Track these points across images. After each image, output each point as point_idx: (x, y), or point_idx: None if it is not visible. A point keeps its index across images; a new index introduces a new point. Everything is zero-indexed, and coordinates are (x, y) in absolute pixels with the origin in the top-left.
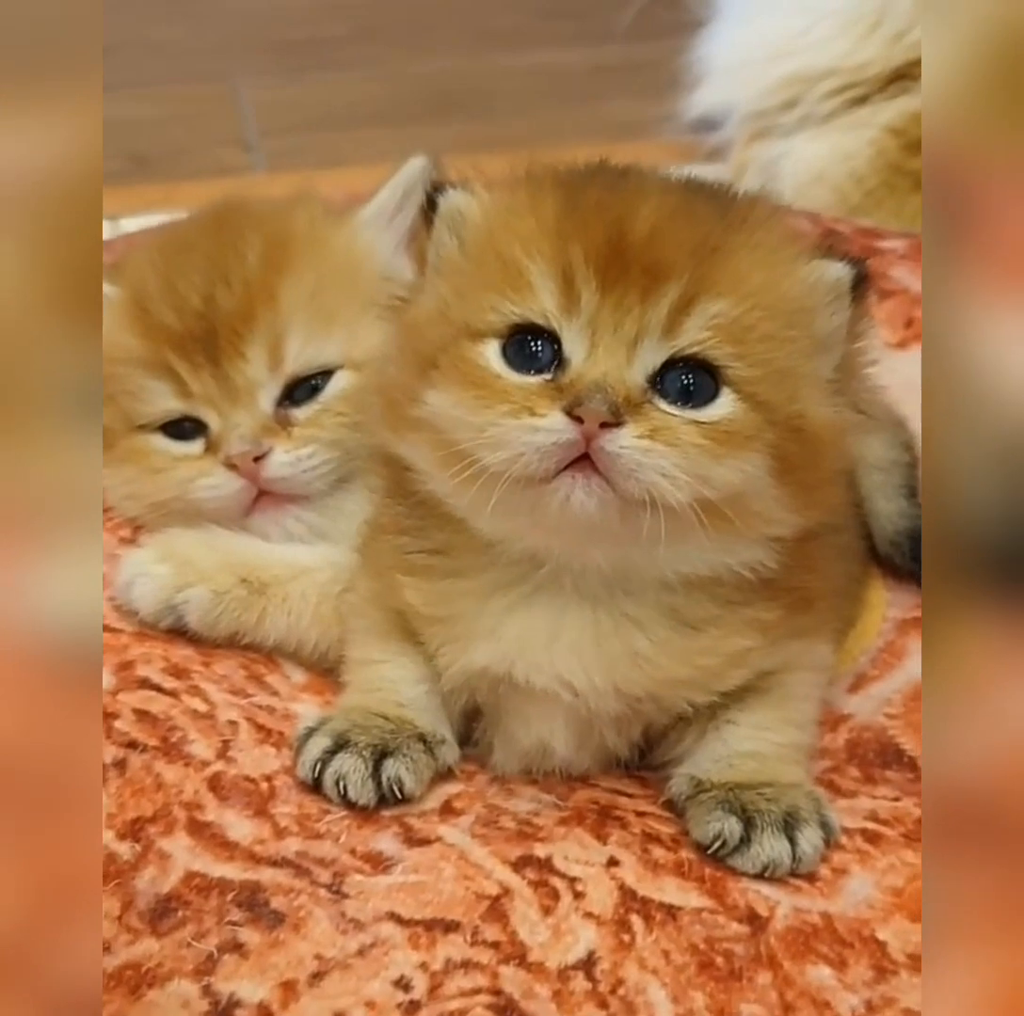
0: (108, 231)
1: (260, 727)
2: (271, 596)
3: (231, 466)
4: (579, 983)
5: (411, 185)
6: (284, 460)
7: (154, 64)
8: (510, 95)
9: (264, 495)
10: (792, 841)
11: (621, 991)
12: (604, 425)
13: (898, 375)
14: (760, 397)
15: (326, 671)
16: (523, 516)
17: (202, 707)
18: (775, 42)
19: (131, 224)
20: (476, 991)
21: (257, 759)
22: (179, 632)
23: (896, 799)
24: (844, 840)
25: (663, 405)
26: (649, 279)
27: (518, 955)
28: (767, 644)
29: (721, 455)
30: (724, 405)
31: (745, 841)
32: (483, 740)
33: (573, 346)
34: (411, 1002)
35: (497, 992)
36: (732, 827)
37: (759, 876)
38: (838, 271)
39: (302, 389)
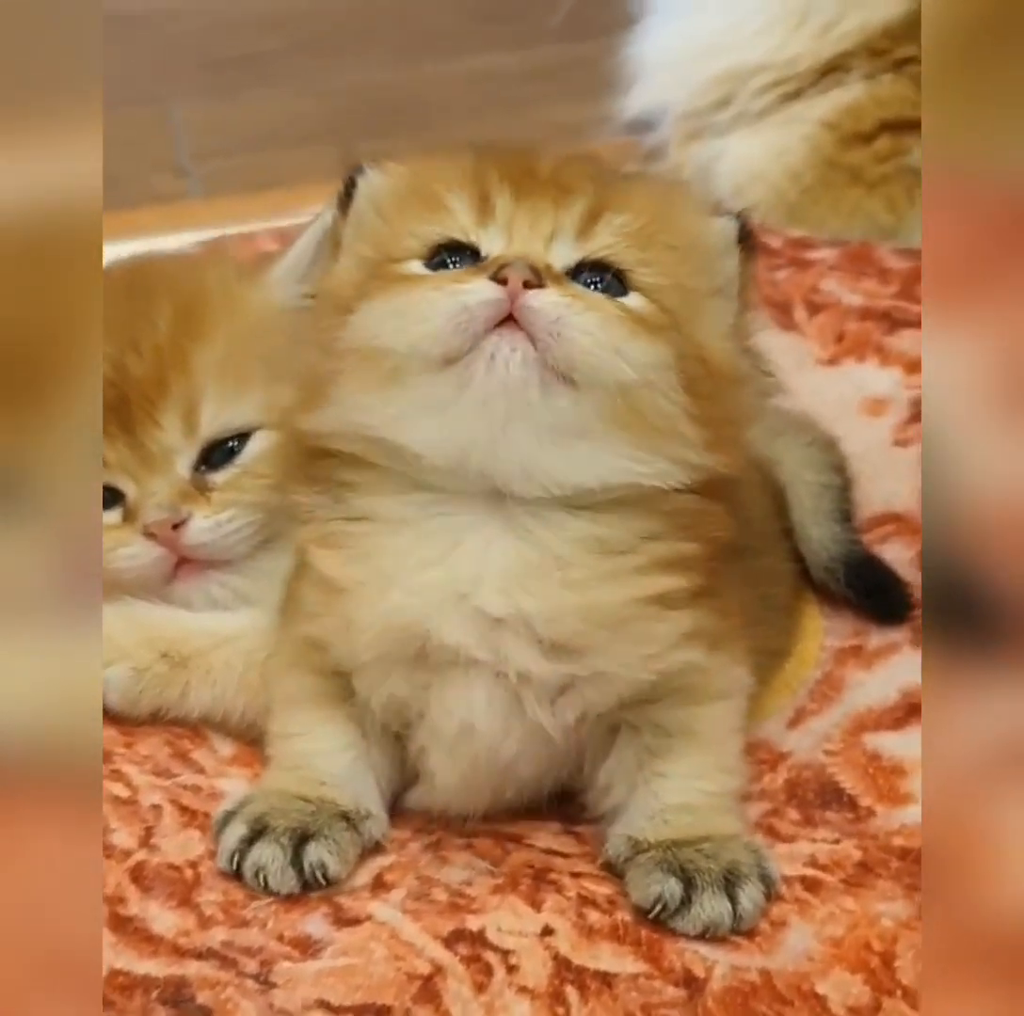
0: None
1: (184, 809)
2: (194, 669)
3: (150, 535)
4: None
5: (323, 240)
6: (204, 526)
7: None
8: (446, 104)
9: (185, 562)
10: (733, 899)
11: None
12: (527, 285)
13: (829, 394)
14: (665, 303)
15: (255, 740)
16: (450, 402)
17: (124, 793)
18: (704, 40)
19: None
20: None
21: (181, 845)
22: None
23: (836, 842)
24: (783, 889)
25: (579, 286)
26: (559, 191)
27: None
28: (690, 592)
29: (636, 332)
30: (635, 300)
31: (686, 902)
32: (412, 771)
33: (491, 248)
34: None
35: None
36: (672, 889)
37: (700, 937)
38: (724, 224)
39: (219, 453)
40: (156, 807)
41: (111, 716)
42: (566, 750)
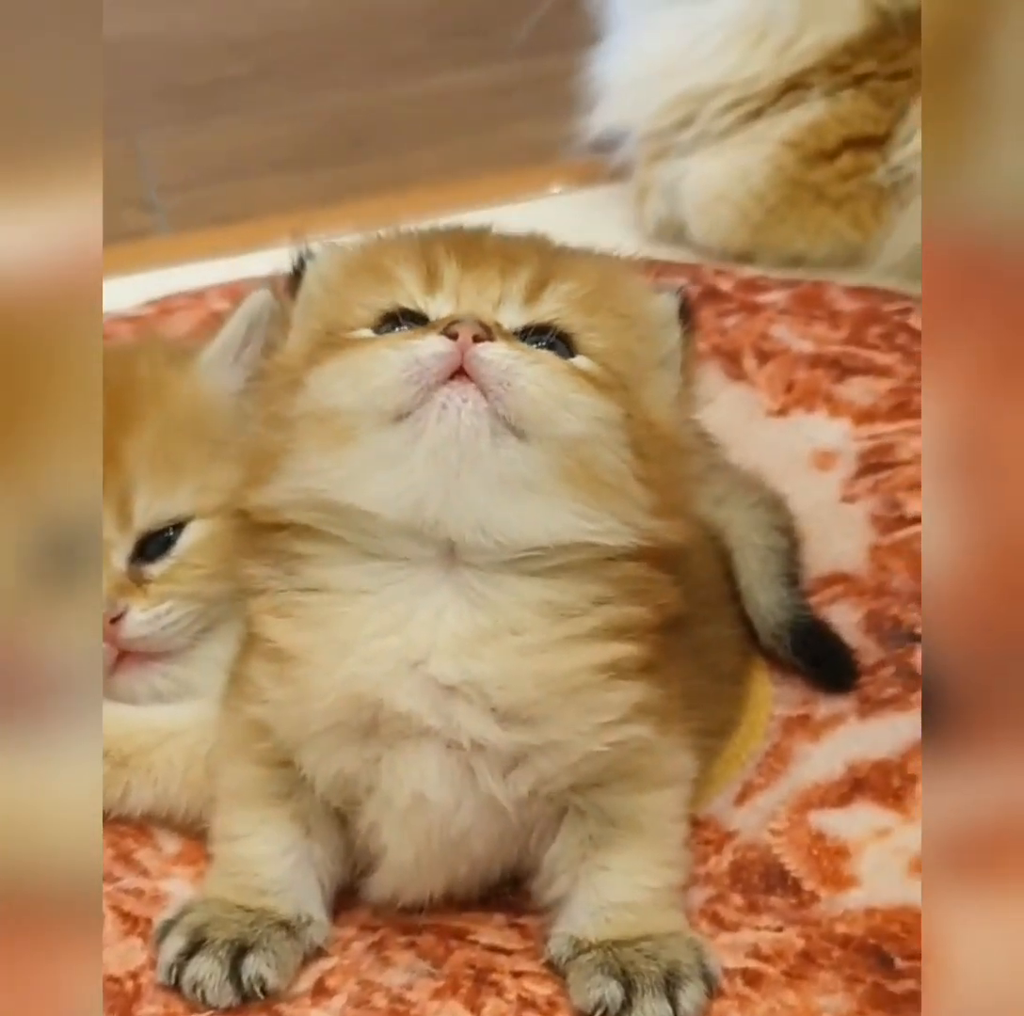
0: None
1: (126, 916)
2: (135, 768)
3: None
4: None
5: (256, 317)
6: (141, 619)
7: None
8: (414, 126)
9: (126, 655)
10: (673, 1001)
11: None
12: (477, 338)
13: (779, 446)
14: (612, 366)
15: (200, 834)
16: (402, 456)
17: None
18: (664, 59)
19: None
20: None
21: (122, 955)
22: None
23: (778, 929)
24: (724, 983)
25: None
26: (506, 261)
27: None
28: (640, 662)
29: (583, 386)
30: (583, 362)
31: (626, 1006)
32: (362, 856)
33: (439, 313)
34: None
35: None
36: (613, 993)
37: None
38: (665, 299)
39: (154, 544)
40: None
41: None
42: (517, 827)
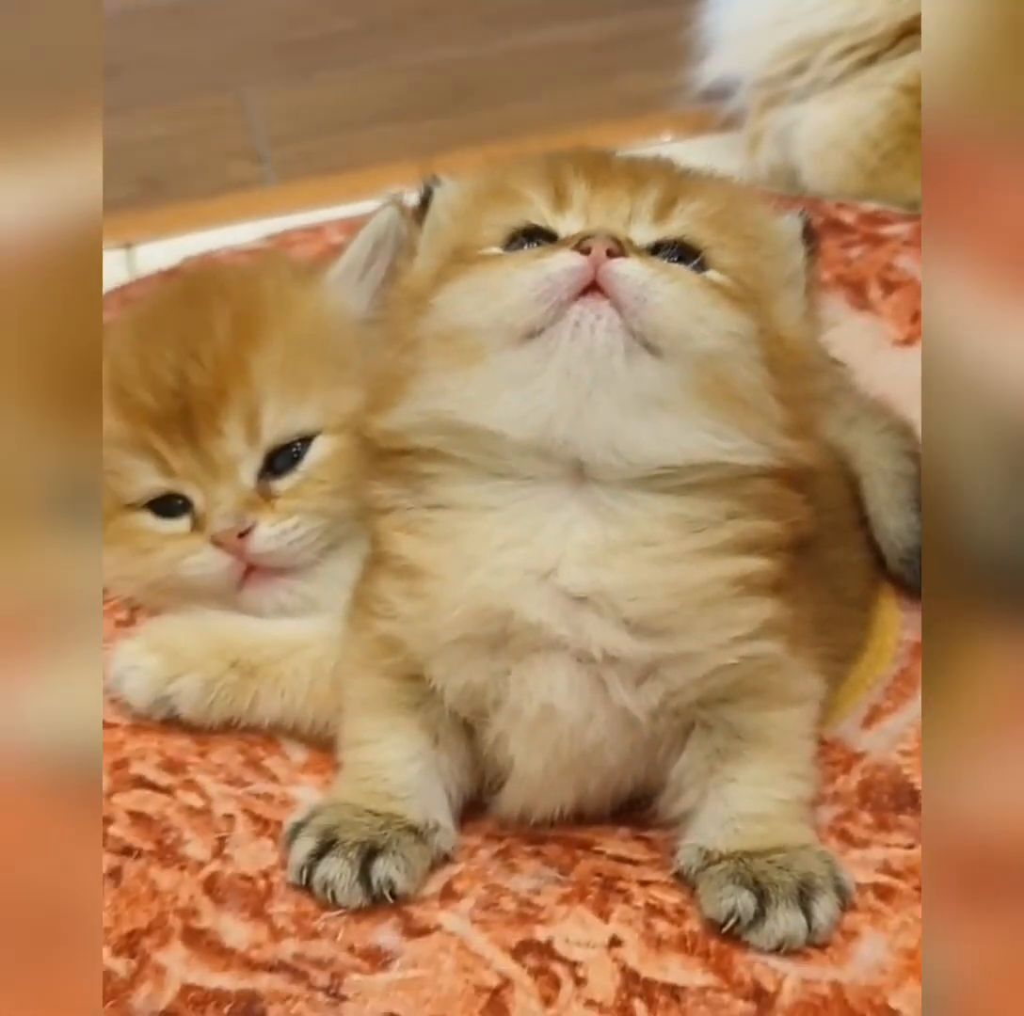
0: (123, 261)
1: (257, 818)
2: (263, 678)
3: (217, 543)
4: None
5: (382, 236)
6: (269, 534)
7: (160, 81)
8: (521, 78)
9: (254, 569)
10: (808, 912)
11: None
12: (610, 253)
13: (905, 376)
14: (744, 281)
15: (326, 745)
16: (534, 375)
17: (198, 803)
18: (777, 7)
19: (146, 251)
20: None
21: (253, 855)
22: (174, 722)
23: (910, 847)
24: (856, 897)
25: (660, 260)
26: (634, 180)
27: None
28: (772, 579)
29: (718, 301)
30: (714, 275)
31: (759, 916)
32: (490, 769)
33: (569, 230)
34: None
35: None
36: (745, 902)
37: (774, 951)
38: (789, 221)
39: (283, 458)
40: (229, 816)
41: (184, 726)
42: (647, 740)
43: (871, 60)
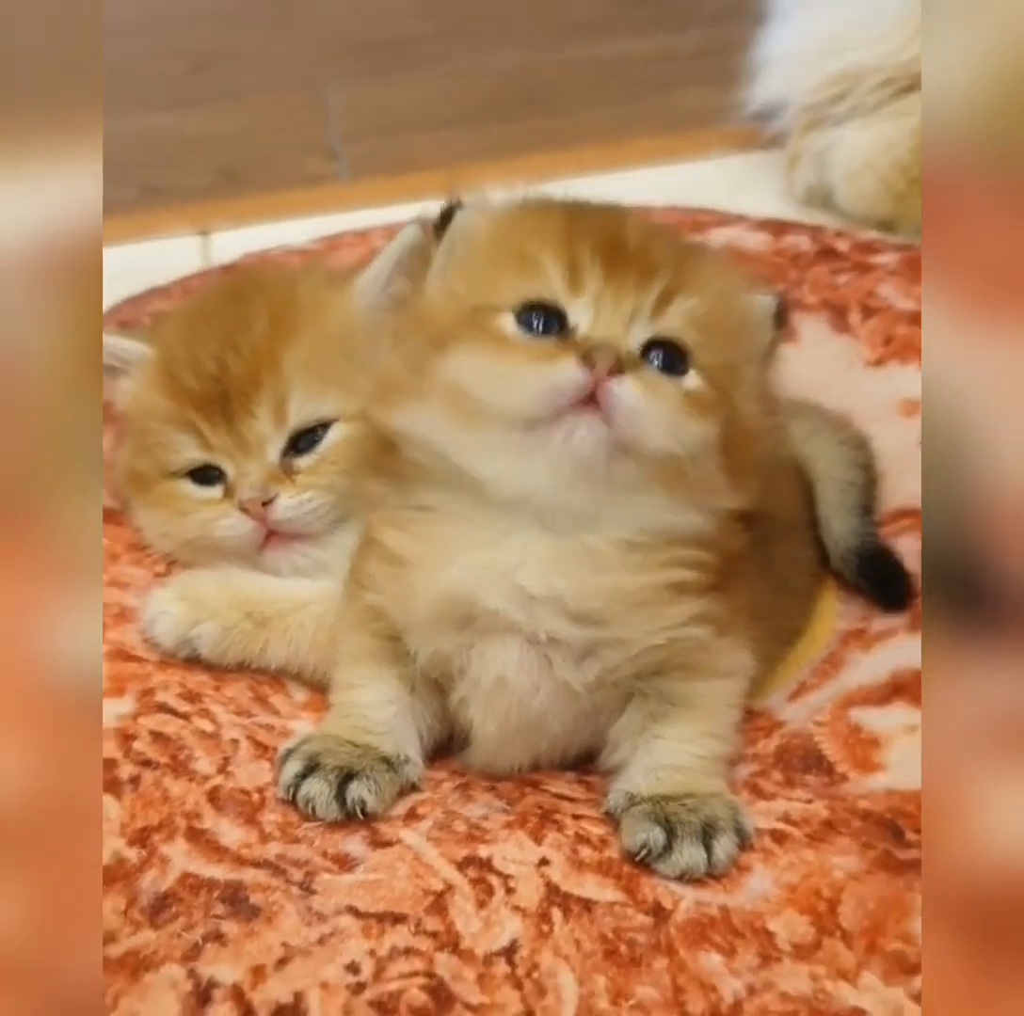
0: (198, 248)
1: (258, 744)
2: (273, 628)
3: (244, 509)
4: (500, 968)
5: (405, 254)
6: (288, 504)
7: (244, 76)
8: (585, 88)
9: (274, 534)
10: (709, 849)
11: (535, 975)
12: (611, 371)
13: (872, 396)
14: (717, 381)
15: (325, 689)
16: (524, 456)
17: (210, 728)
18: (828, 38)
19: (222, 239)
20: (414, 974)
21: (252, 773)
22: (196, 660)
23: (808, 801)
24: (754, 840)
25: (652, 371)
26: (643, 271)
27: (452, 943)
28: (698, 588)
29: (692, 415)
30: (692, 380)
31: (667, 849)
32: (457, 728)
33: (579, 317)
34: (358, 984)
35: (431, 975)
36: (656, 837)
37: (678, 879)
38: (766, 301)
39: (305, 440)
40: (235, 741)
41: (203, 664)
42: (589, 710)
43: (907, 90)
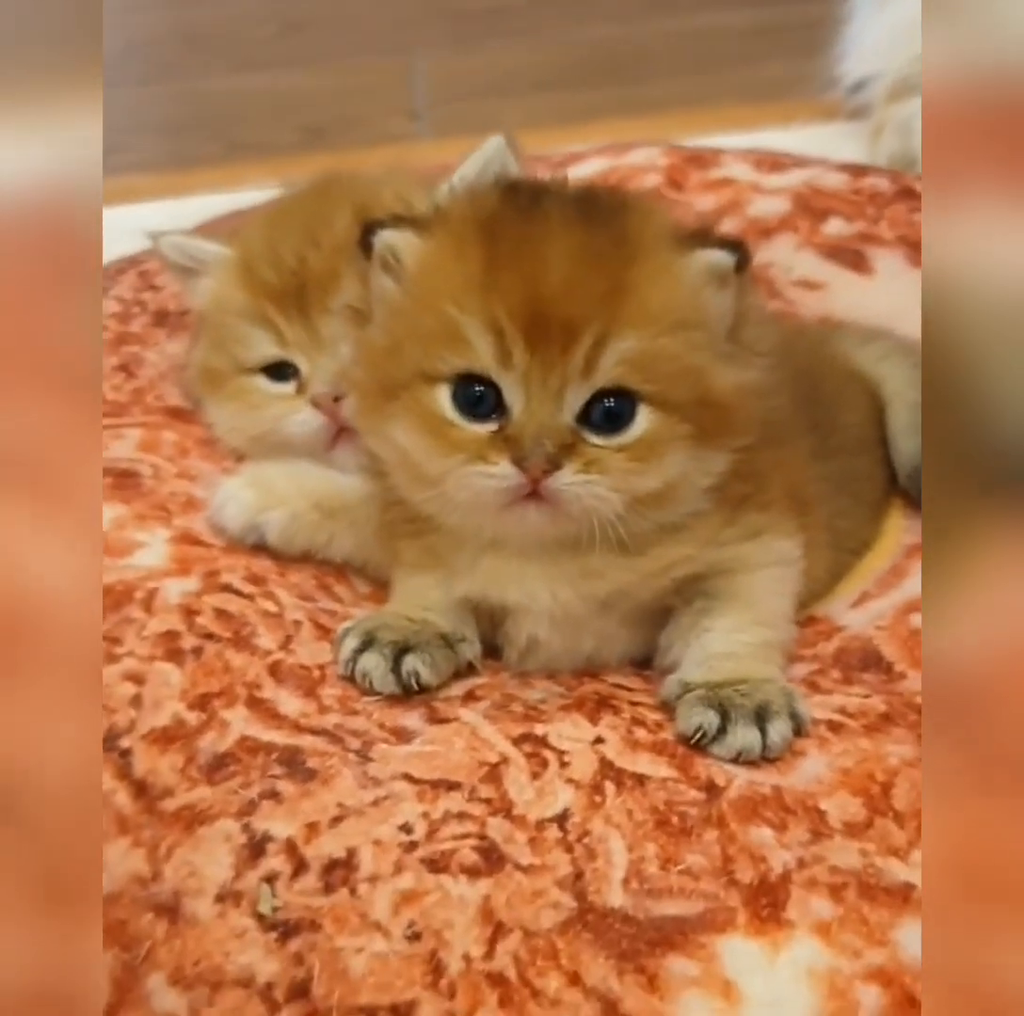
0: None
1: (320, 626)
2: (340, 519)
3: (316, 405)
4: (552, 833)
5: (489, 161)
6: None
7: (337, 39)
8: (671, 58)
9: (343, 431)
10: (763, 731)
11: (586, 840)
12: (545, 471)
13: None
14: (672, 401)
15: (386, 585)
16: (485, 524)
17: (273, 608)
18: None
19: None
20: (466, 836)
21: (314, 652)
22: (262, 548)
23: (866, 697)
24: (809, 728)
25: (592, 439)
26: (566, 334)
27: (505, 809)
28: (704, 546)
29: (645, 468)
30: (642, 421)
31: (722, 731)
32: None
33: (512, 397)
34: (411, 842)
35: (483, 837)
36: (710, 720)
37: (733, 762)
38: (720, 258)
39: None
40: (297, 622)
41: (270, 552)
42: (630, 637)
43: None
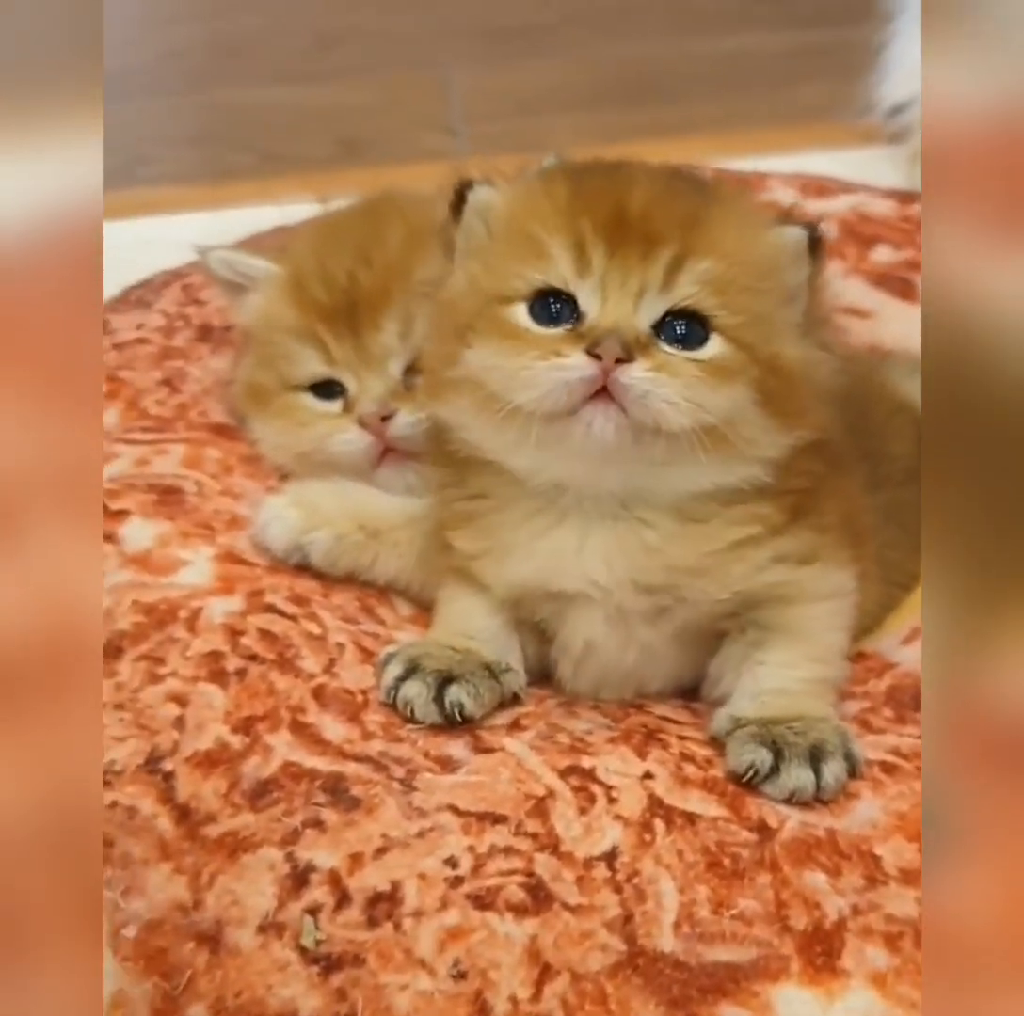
0: (317, 214)
1: (364, 650)
2: (384, 541)
3: (363, 424)
4: (600, 871)
5: None
6: (407, 421)
7: (374, 53)
8: (707, 79)
9: (389, 451)
10: (817, 772)
11: (635, 880)
12: (619, 361)
13: None
14: (743, 340)
15: (430, 607)
16: (551, 447)
17: (316, 630)
18: None
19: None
20: (512, 872)
21: (357, 676)
22: (305, 568)
23: (919, 737)
24: (863, 769)
25: (665, 347)
26: (646, 244)
27: (552, 845)
28: (766, 535)
29: (714, 385)
30: (714, 346)
31: (775, 770)
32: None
33: (588, 302)
34: (456, 877)
35: (530, 874)
36: (763, 758)
37: (786, 802)
38: (797, 234)
39: None
40: (341, 644)
41: (313, 572)
42: (679, 657)
43: None
